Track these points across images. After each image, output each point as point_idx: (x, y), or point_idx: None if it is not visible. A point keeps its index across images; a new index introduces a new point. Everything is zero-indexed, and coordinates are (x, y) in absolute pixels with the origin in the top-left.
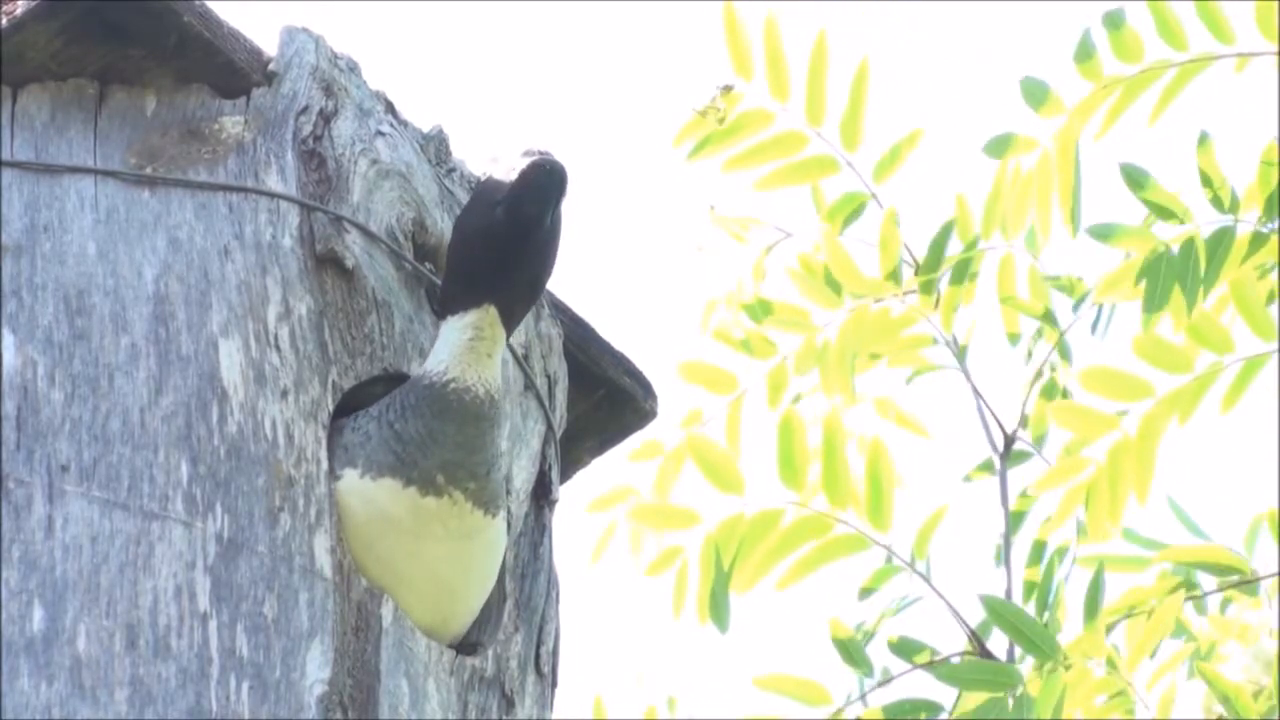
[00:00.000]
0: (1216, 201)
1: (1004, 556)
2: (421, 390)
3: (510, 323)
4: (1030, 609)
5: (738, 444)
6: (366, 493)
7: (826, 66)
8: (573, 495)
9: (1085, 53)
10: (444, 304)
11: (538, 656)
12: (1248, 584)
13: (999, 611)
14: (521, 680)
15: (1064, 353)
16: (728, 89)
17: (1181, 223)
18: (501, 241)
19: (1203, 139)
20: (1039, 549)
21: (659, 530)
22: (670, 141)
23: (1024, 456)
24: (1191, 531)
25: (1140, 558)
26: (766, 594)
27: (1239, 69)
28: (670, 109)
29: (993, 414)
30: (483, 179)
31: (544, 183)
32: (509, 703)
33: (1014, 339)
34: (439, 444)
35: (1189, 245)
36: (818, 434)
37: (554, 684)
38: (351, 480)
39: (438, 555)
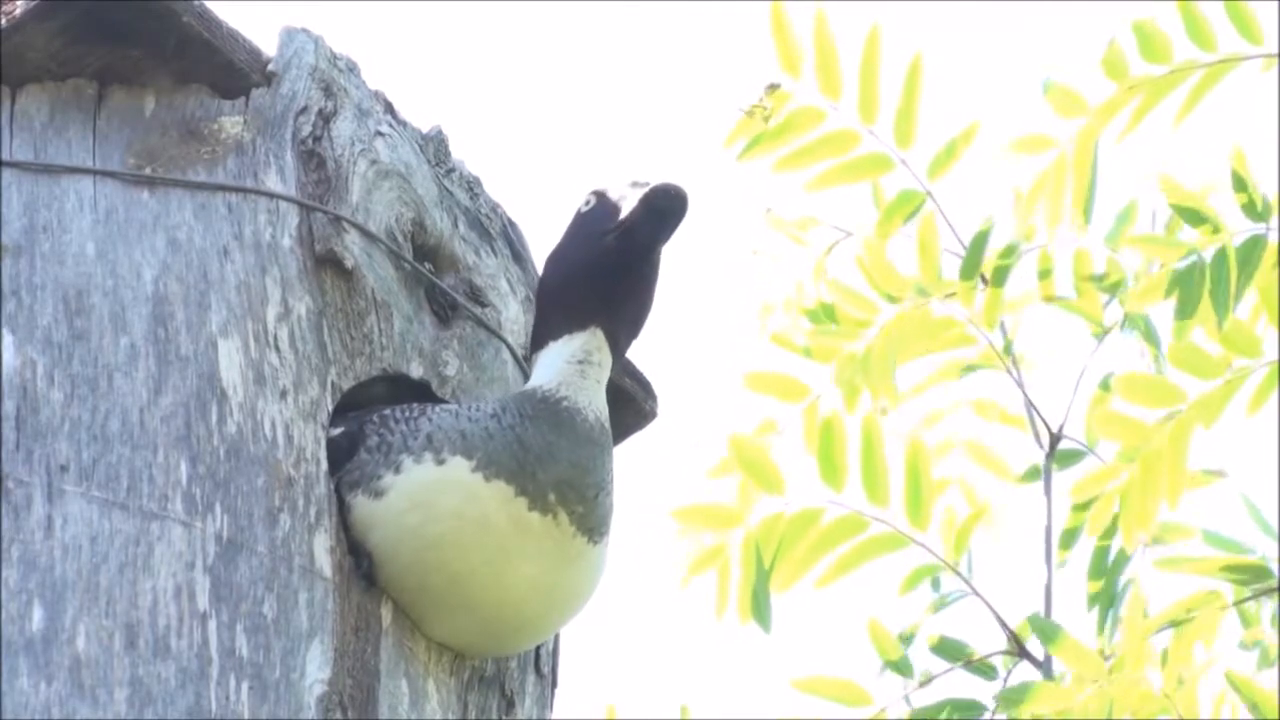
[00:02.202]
0: (1249, 209)
1: (1046, 553)
2: (536, 402)
3: (618, 346)
4: (1092, 616)
5: (816, 449)
6: (473, 489)
7: (878, 63)
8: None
9: (1114, 61)
10: (537, 338)
11: (537, 656)
12: (1267, 593)
13: (1042, 629)
14: (521, 680)
15: (1150, 338)
16: (774, 87)
17: (1215, 232)
18: (611, 266)
19: (1236, 147)
20: (1100, 557)
21: (700, 529)
22: (721, 142)
23: (1076, 456)
24: (1265, 531)
25: (1196, 558)
26: (807, 595)
27: (1265, 69)
28: (716, 110)
29: (1038, 413)
30: (583, 211)
31: (669, 207)
32: (509, 703)
33: (1099, 335)
34: (556, 460)
35: (1222, 255)
36: (897, 443)
37: (554, 684)
38: (459, 471)
39: (524, 576)
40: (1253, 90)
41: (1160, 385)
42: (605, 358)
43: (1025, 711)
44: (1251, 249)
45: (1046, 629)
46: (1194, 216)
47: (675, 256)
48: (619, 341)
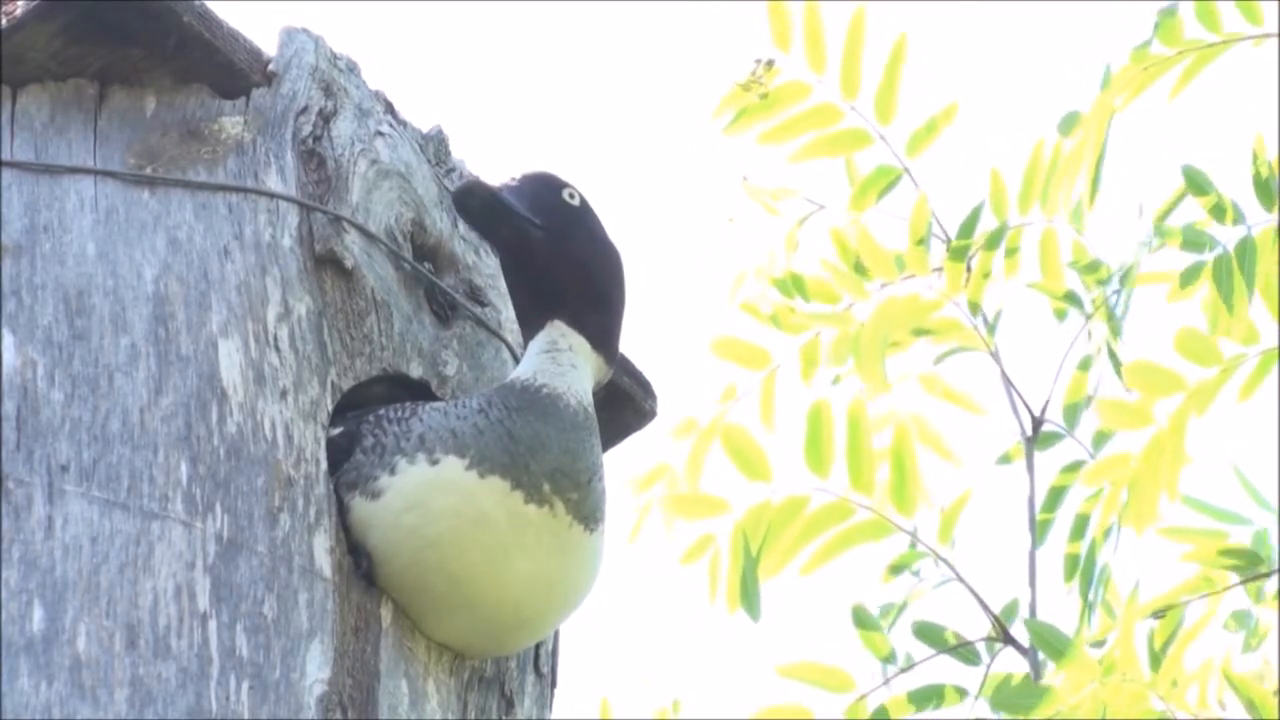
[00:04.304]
0: (1264, 196)
1: (1031, 538)
2: (519, 393)
3: (588, 331)
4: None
5: (772, 420)
6: (469, 488)
7: (863, 40)
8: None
9: (1141, 51)
10: (525, 340)
11: (537, 657)
12: (1260, 578)
13: (1044, 637)
14: (521, 680)
15: (1115, 330)
16: (770, 63)
17: (1234, 224)
18: (509, 269)
19: (1259, 135)
20: (1081, 523)
21: (689, 519)
22: (710, 113)
23: (1055, 438)
24: (1259, 504)
25: (1194, 529)
26: (792, 581)
27: (1256, 45)
28: (701, 83)
29: (1020, 396)
30: None
31: (460, 208)
32: (509, 703)
33: (1060, 314)
34: (547, 449)
35: (1242, 246)
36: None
37: (553, 684)
38: (453, 470)
39: (523, 571)
40: (1259, 73)
41: (1164, 373)
42: (575, 342)
43: (1020, 714)
44: (1264, 241)
45: (1050, 637)
46: (1215, 208)
47: (675, 253)
48: (586, 323)
